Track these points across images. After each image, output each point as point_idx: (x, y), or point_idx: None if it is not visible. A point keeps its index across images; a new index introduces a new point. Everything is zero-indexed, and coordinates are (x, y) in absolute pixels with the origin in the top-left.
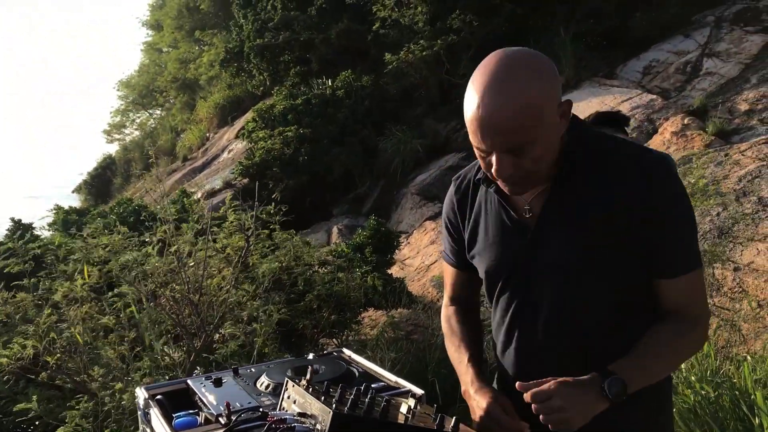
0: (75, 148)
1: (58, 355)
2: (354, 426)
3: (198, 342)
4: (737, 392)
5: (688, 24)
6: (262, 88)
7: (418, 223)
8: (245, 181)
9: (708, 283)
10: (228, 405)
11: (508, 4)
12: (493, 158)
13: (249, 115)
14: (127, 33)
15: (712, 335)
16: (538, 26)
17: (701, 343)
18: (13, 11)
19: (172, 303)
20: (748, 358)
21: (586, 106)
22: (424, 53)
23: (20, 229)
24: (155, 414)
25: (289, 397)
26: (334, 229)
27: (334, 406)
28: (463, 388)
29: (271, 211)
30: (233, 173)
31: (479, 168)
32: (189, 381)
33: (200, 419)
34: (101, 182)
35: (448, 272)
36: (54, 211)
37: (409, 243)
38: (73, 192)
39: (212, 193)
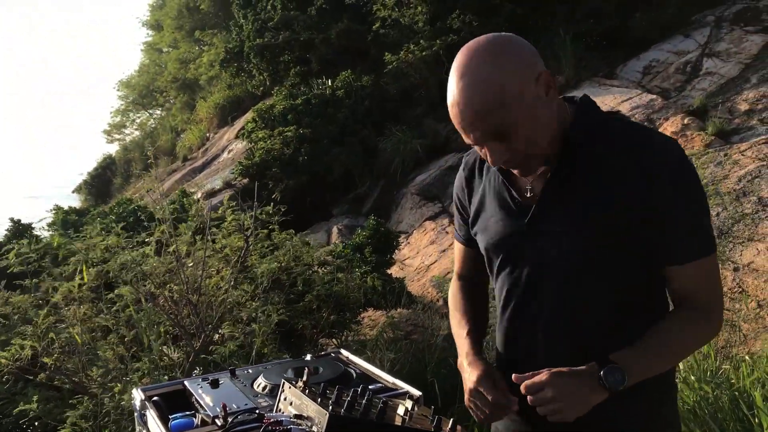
0: (75, 148)
1: (56, 355)
2: (350, 428)
3: (197, 342)
4: (737, 392)
5: (688, 24)
6: (262, 88)
7: (418, 223)
8: (245, 181)
9: None
10: (224, 406)
11: (508, 4)
12: (485, 149)
13: (249, 115)
14: (127, 33)
15: None
16: (538, 26)
17: (713, 332)
18: (13, 11)
19: (170, 303)
20: (747, 358)
21: None
22: (424, 53)
23: (20, 229)
24: (151, 415)
25: (285, 399)
26: (334, 229)
27: (330, 407)
28: (458, 361)
29: (270, 212)
30: (233, 173)
31: None
32: (186, 382)
33: (197, 421)
34: (101, 182)
35: (457, 248)
36: (54, 212)
37: (409, 243)
38: (73, 192)
39: (212, 193)
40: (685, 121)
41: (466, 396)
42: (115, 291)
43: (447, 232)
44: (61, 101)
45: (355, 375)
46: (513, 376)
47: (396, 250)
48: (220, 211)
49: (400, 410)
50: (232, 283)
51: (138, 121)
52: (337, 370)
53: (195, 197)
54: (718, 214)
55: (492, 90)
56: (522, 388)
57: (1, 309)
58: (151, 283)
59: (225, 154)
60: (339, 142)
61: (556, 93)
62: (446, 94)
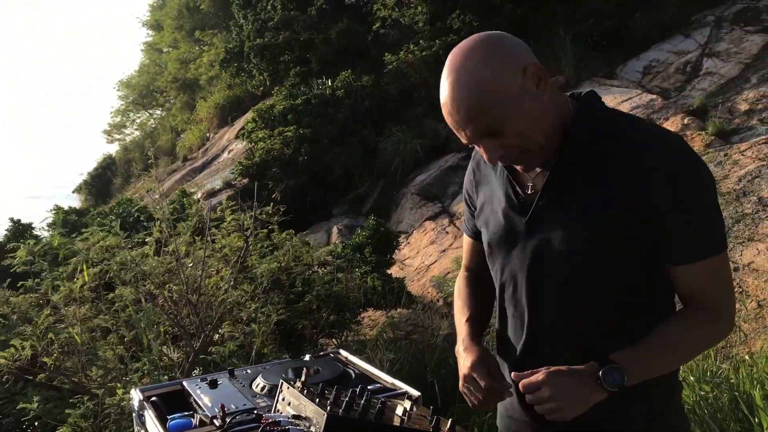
0: (75, 148)
1: (56, 355)
2: (348, 428)
3: (196, 342)
4: (737, 392)
5: (688, 24)
6: (262, 88)
7: (418, 223)
8: (245, 181)
9: None
10: (222, 407)
11: (508, 4)
12: (481, 147)
13: (249, 115)
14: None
15: None
16: (538, 26)
17: (721, 333)
18: (13, 11)
19: (170, 303)
20: (747, 358)
21: None
22: (424, 53)
23: (20, 229)
24: (149, 416)
25: (283, 399)
26: (334, 229)
27: (328, 408)
28: (456, 347)
29: (270, 212)
30: (233, 173)
31: None
32: (184, 382)
33: (195, 421)
34: (101, 182)
35: (465, 241)
36: (54, 212)
37: (408, 243)
38: (73, 192)
39: (212, 193)
40: (685, 121)
41: (460, 382)
42: (116, 291)
43: (447, 232)
44: (61, 101)
45: (353, 375)
46: (512, 374)
47: (396, 250)
48: (218, 210)
49: (399, 410)
50: (231, 283)
51: (138, 121)
52: (336, 371)
53: (195, 197)
54: None
55: (476, 87)
56: (520, 386)
57: (1, 309)
58: (150, 283)
59: (225, 154)
60: (339, 142)
61: (547, 85)
62: None
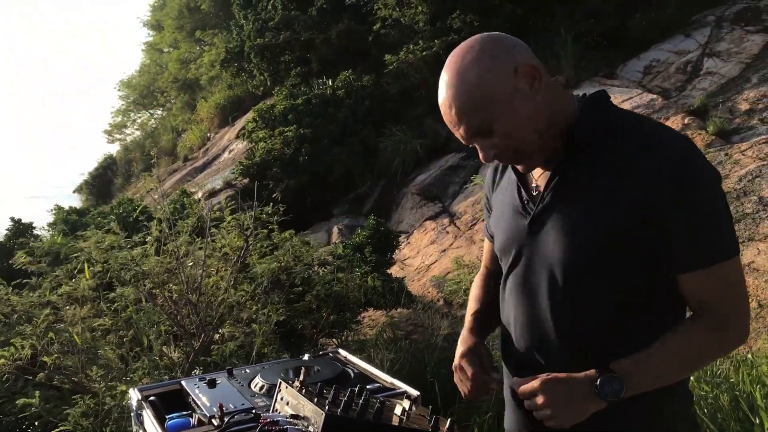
0: (75, 148)
1: (56, 355)
2: (347, 428)
3: (197, 342)
4: (737, 392)
5: (688, 24)
6: (262, 88)
7: (418, 223)
8: (245, 181)
9: None
10: (221, 406)
11: (508, 4)
12: (476, 146)
13: (249, 115)
14: (128, 33)
15: None
16: (538, 26)
17: (731, 345)
18: (13, 11)
19: (170, 303)
20: (748, 357)
21: None
22: (424, 53)
23: (20, 229)
24: (148, 415)
25: (282, 399)
26: (335, 229)
27: (326, 407)
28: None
29: (270, 212)
30: (234, 173)
31: None
32: (183, 382)
33: (193, 421)
34: (102, 182)
35: (486, 243)
36: (54, 212)
37: (409, 243)
38: (73, 192)
39: (213, 193)
40: (686, 121)
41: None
42: (117, 291)
43: (447, 232)
44: (61, 101)
45: (352, 375)
46: (514, 379)
47: (396, 250)
48: (215, 209)
49: (398, 410)
50: (231, 282)
51: (139, 121)
52: (335, 370)
53: (195, 197)
54: None
55: (466, 87)
56: (518, 392)
57: (1, 308)
58: (150, 283)
59: (225, 154)
60: (339, 142)
61: (542, 85)
62: None
